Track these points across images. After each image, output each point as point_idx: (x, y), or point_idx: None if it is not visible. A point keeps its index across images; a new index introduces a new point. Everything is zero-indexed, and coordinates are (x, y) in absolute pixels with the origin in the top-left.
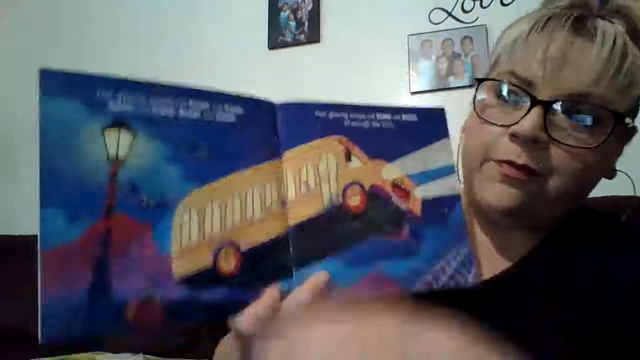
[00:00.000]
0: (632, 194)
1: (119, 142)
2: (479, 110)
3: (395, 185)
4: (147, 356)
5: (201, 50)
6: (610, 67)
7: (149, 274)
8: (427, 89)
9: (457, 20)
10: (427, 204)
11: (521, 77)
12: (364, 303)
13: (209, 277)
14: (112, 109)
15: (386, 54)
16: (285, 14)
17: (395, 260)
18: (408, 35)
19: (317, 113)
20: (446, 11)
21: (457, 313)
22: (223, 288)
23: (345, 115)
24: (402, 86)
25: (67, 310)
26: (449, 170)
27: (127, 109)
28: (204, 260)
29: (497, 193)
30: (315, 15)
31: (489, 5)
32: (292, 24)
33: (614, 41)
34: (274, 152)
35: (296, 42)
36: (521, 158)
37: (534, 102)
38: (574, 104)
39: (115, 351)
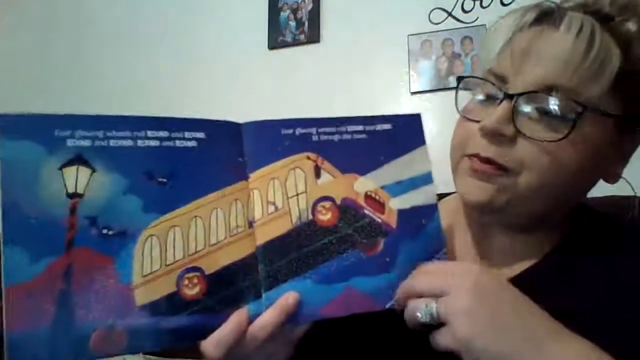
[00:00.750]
0: (630, 193)
1: (77, 178)
2: (462, 109)
3: (369, 198)
4: (147, 356)
5: (201, 50)
6: (576, 52)
7: (111, 304)
8: (427, 89)
9: (457, 20)
10: (403, 215)
11: (497, 73)
12: None
13: (173, 302)
14: (70, 146)
15: (386, 54)
16: (285, 14)
17: (369, 276)
18: (408, 35)
19: (283, 131)
20: (446, 11)
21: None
22: (188, 313)
23: (314, 130)
24: (402, 86)
25: (32, 343)
26: (426, 179)
27: (84, 144)
28: (167, 287)
29: (468, 187)
30: (315, 15)
31: (489, 5)
32: (292, 24)
33: (580, 27)
34: (239, 174)
35: (296, 42)
36: (486, 151)
37: (502, 95)
38: (542, 96)
39: None
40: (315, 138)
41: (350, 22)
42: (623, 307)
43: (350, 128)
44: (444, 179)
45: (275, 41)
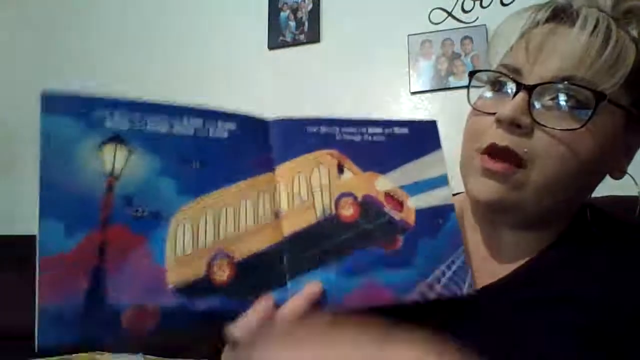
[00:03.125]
0: (632, 192)
1: (115, 158)
2: (473, 103)
3: (389, 196)
4: (147, 356)
5: (201, 50)
6: (592, 48)
7: (143, 283)
8: (427, 89)
9: (457, 20)
10: (421, 214)
11: (510, 66)
12: (337, 323)
13: (202, 286)
14: (109, 127)
15: (386, 54)
16: (285, 14)
17: (389, 270)
18: (408, 35)
19: (309, 128)
20: (446, 11)
21: (425, 329)
22: (216, 297)
23: (337, 130)
24: (402, 86)
25: (63, 316)
26: (442, 181)
27: (123, 126)
28: (198, 270)
29: (480, 186)
30: (315, 15)
31: (489, 5)
32: (292, 24)
33: (596, 24)
34: (266, 166)
35: (296, 42)
36: (503, 140)
37: (519, 87)
38: (558, 87)
39: (115, 351)
40: (338, 137)
41: (350, 22)
42: (622, 296)
43: (371, 130)
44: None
45: (275, 41)
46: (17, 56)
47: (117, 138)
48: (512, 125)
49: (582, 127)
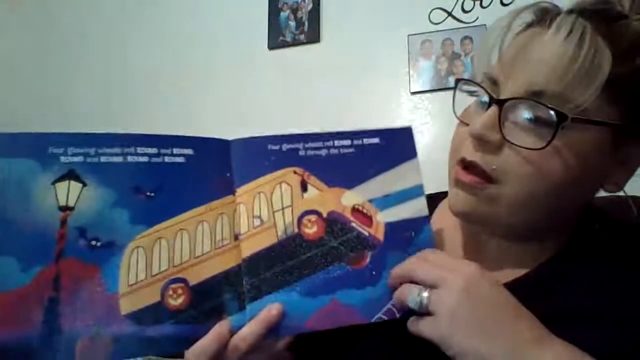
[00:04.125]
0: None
1: (68, 192)
2: (459, 113)
3: (357, 211)
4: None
5: (201, 50)
6: (564, 57)
7: (97, 312)
8: (427, 89)
9: (457, 20)
10: (391, 228)
11: (490, 77)
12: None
13: (156, 312)
14: (63, 163)
15: (386, 54)
16: (285, 14)
17: (354, 290)
18: (408, 35)
19: (270, 146)
20: (446, 11)
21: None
22: (171, 323)
23: (300, 146)
24: (402, 86)
25: (19, 350)
26: (416, 192)
27: (76, 160)
28: (152, 296)
29: (453, 197)
30: (315, 15)
31: (489, 5)
32: (292, 24)
33: (570, 31)
34: (226, 189)
35: (296, 42)
36: (472, 156)
37: (491, 101)
38: (527, 103)
39: None
40: (302, 153)
41: (350, 22)
42: (628, 312)
43: (338, 143)
44: (444, 179)
45: (275, 41)
46: (17, 56)
47: (70, 173)
48: (481, 140)
49: (544, 147)
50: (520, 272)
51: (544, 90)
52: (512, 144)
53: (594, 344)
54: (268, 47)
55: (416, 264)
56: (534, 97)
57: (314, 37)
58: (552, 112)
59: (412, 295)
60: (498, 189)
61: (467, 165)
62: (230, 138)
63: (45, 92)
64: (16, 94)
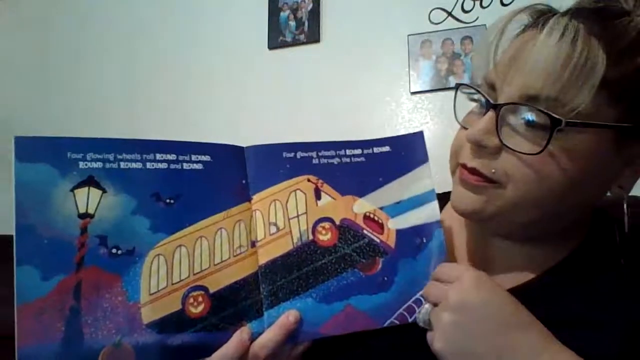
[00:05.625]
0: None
1: (88, 199)
2: (460, 117)
3: (368, 218)
4: None
5: (201, 50)
6: (558, 60)
7: (118, 322)
8: (427, 89)
9: (457, 20)
10: (402, 235)
11: (488, 81)
12: None
13: (178, 320)
14: (82, 169)
15: (386, 54)
16: (285, 14)
17: (367, 295)
18: (408, 35)
19: (284, 154)
20: (446, 11)
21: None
22: (192, 331)
23: (314, 154)
24: (402, 86)
25: (41, 359)
26: (427, 197)
27: (95, 166)
28: (173, 305)
29: (457, 196)
30: (315, 15)
31: (489, 5)
32: (292, 24)
33: (562, 33)
34: (243, 196)
35: (296, 42)
36: (472, 162)
37: (489, 105)
38: (523, 108)
39: None
40: (315, 161)
41: (350, 22)
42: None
43: (349, 152)
44: (444, 179)
45: (275, 41)
46: (16, 56)
47: (90, 180)
48: (479, 146)
49: (540, 152)
50: (527, 277)
51: (539, 95)
52: (510, 148)
53: (600, 351)
54: (268, 47)
55: (428, 284)
56: (529, 101)
57: (314, 37)
58: (546, 116)
59: (421, 312)
60: (501, 189)
61: (469, 171)
62: (230, 138)
63: (45, 92)
64: (16, 94)
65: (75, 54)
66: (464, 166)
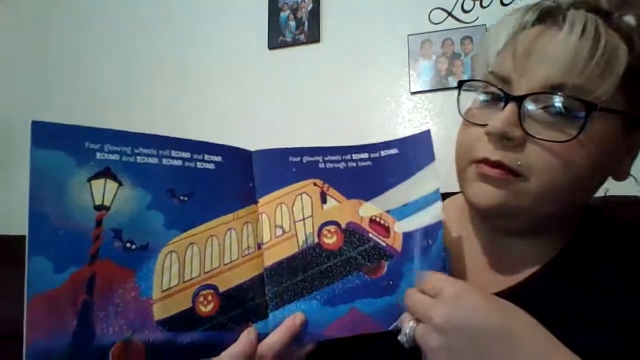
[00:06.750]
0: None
1: (104, 191)
2: (464, 113)
3: (374, 222)
4: None
5: (201, 50)
6: (581, 52)
7: (130, 317)
8: (427, 89)
9: (457, 20)
10: (408, 238)
11: (498, 75)
12: None
13: (187, 319)
14: (99, 160)
15: (386, 54)
16: (285, 14)
17: (372, 299)
18: (408, 35)
19: (291, 158)
20: (446, 11)
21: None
22: (202, 329)
23: (320, 159)
24: (402, 86)
25: (52, 353)
26: (433, 198)
27: (112, 159)
28: (184, 303)
29: (477, 192)
30: (315, 15)
31: (489, 5)
32: (292, 24)
33: (584, 27)
34: (250, 198)
35: (296, 42)
36: (495, 155)
37: (508, 98)
38: (548, 96)
39: None
40: (321, 166)
41: (350, 22)
42: (631, 312)
43: (356, 156)
44: (443, 179)
45: (275, 41)
46: (16, 56)
47: (107, 171)
48: (503, 138)
49: (573, 138)
50: (533, 269)
51: (563, 83)
52: (537, 138)
53: (600, 347)
54: (268, 47)
55: (411, 295)
56: (554, 90)
57: (314, 37)
58: (579, 103)
59: (405, 328)
60: (524, 182)
61: (490, 165)
62: (230, 138)
63: (44, 92)
64: (16, 94)
65: (75, 54)
66: (485, 161)
